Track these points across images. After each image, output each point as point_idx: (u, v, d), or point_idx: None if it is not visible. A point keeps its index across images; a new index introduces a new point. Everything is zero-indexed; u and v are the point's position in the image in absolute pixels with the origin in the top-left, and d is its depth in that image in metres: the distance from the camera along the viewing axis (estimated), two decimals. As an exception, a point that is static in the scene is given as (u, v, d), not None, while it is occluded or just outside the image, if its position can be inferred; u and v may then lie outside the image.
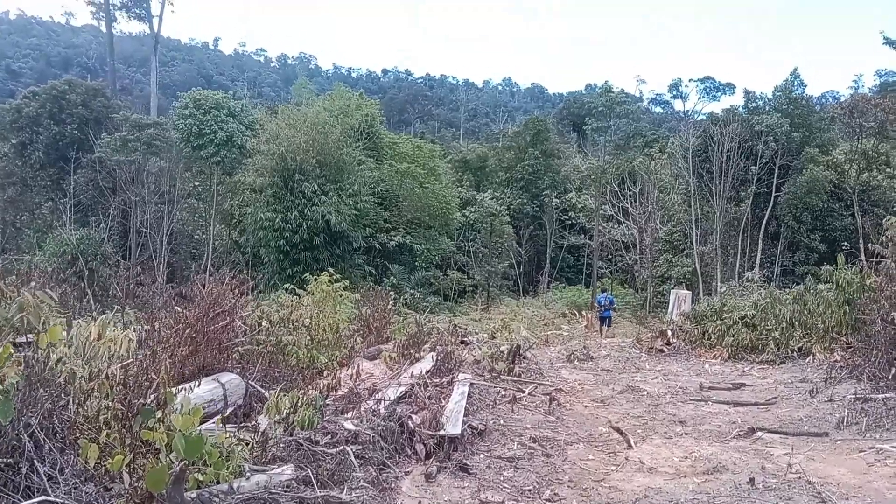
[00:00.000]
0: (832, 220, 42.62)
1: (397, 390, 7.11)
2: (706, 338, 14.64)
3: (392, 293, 16.44)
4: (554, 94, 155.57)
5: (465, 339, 14.25)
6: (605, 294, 26.93)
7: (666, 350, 14.33)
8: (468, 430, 6.34)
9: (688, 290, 20.76)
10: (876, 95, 47.62)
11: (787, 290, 15.85)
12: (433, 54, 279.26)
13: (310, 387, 8.08)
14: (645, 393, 9.59)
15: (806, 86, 44.97)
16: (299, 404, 5.81)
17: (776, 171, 42.96)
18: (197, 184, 43.84)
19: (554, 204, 54.34)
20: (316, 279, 10.96)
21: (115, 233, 46.04)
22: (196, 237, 47.00)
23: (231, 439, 5.02)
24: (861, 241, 40.57)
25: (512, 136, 62.80)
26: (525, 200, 54.91)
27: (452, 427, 6.00)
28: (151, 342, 6.31)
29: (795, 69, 46.08)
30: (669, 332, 14.99)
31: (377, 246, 37.01)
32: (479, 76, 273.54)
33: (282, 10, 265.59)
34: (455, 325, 16.55)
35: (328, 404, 7.36)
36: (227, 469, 4.60)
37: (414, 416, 6.05)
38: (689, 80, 57.27)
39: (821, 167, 41.72)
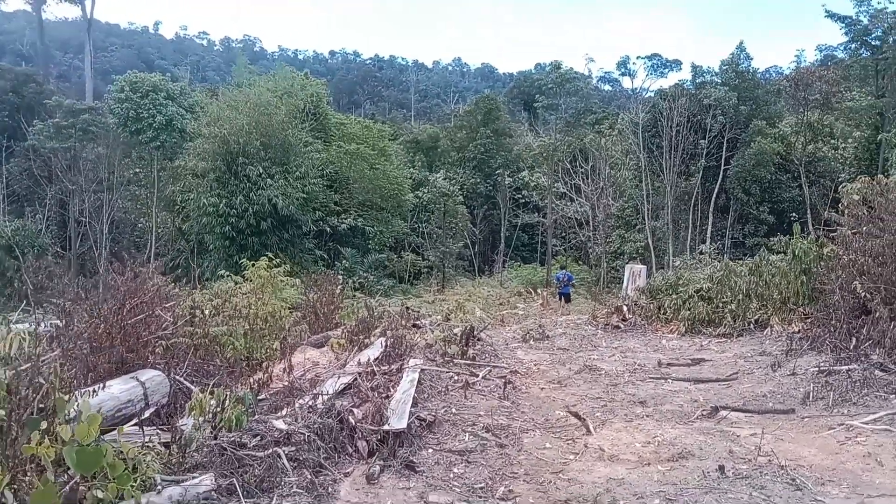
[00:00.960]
0: (780, 192, 43.26)
1: (340, 381, 6.55)
2: (662, 312, 14.38)
3: (341, 277, 15.82)
4: (504, 73, 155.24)
5: (418, 322, 13.73)
6: (563, 271, 28.03)
7: (622, 326, 14.03)
8: (416, 423, 5.82)
9: (642, 264, 20.58)
10: (820, 68, 48.23)
11: (740, 261, 15.74)
12: (381, 34, 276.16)
13: (247, 380, 7.49)
14: (602, 372, 9.21)
15: (752, 59, 45.50)
16: (227, 402, 5.23)
17: (725, 144, 43.36)
18: (138, 170, 42.23)
19: (507, 183, 54.10)
20: (254, 265, 10.30)
21: (53, 223, 44.26)
22: (140, 225, 45.48)
23: (139, 447, 4.42)
24: (809, 211, 41.40)
25: (463, 116, 62.23)
26: (478, 180, 54.50)
27: (398, 420, 5.48)
28: (61, 340, 5.64)
29: (741, 42, 46.65)
30: (625, 308, 14.70)
31: (328, 229, 36.18)
32: (429, 57, 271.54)
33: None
34: (407, 308, 16.01)
35: (265, 399, 6.78)
36: (135, 482, 4.01)
37: (355, 410, 5.52)
38: (637, 58, 57.53)
39: (768, 139, 42.25)
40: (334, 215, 36.94)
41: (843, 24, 45.80)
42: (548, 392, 8.14)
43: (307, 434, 4.87)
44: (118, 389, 5.44)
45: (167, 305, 6.86)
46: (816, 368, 7.89)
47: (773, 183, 43.26)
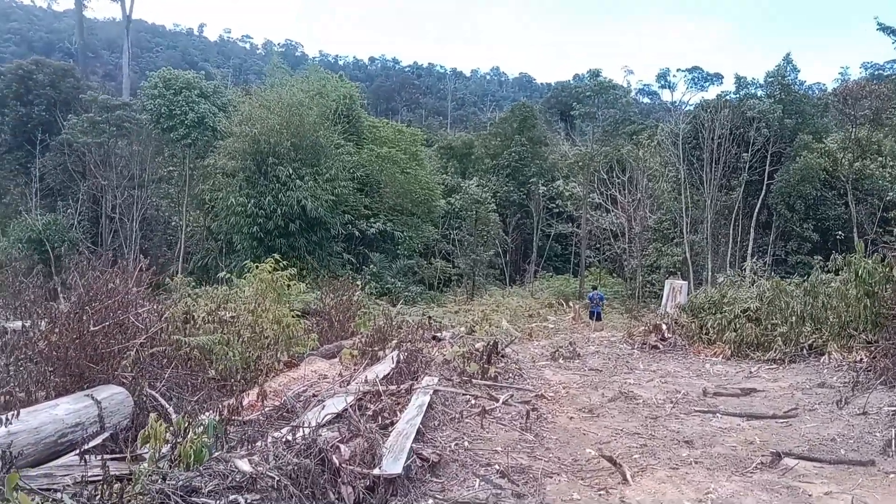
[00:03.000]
0: (825, 209, 41.48)
1: (326, 411, 5.62)
2: (704, 333, 13.30)
3: (360, 283, 14.93)
4: (542, 83, 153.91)
5: (438, 334, 12.81)
6: (595, 291, 28.43)
7: (661, 346, 12.94)
8: (416, 464, 4.87)
9: (683, 279, 19.41)
10: (870, 82, 46.31)
11: (787, 280, 14.54)
12: (421, 42, 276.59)
13: (239, 397, 6.63)
14: (641, 401, 8.16)
15: (799, 71, 43.79)
16: (189, 431, 4.34)
17: (768, 158, 41.74)
18: (172, 168, 42.01)
19: (541, 192, 52.97)
20: (258, 266, 9.45)
21: (85, 218, 44.22)
22: (173, 224, 45.26)
23: (70, 486, 3.55)
24: (855, 230, 39.55)
25: (498, 123, 61.31)
26: (511, 188, 53.47)
27: (393, 461, 4.53)
28: (4, 348, 4.81)
29: (788, 54, 44.79)
30: (664, 327, 13.59)
31: (357, 233, 35.43)
32: (468, 65, 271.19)
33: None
34: (429, 318, 15.12)
35: (251, 421, 5.89)
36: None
37: (343, 447, 4.59)
38: (678, 70, 56.12)
39: (814, 154, 40.56)
40: (364, 219, 36.21)
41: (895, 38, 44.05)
42: (577, 423, 7.13)
43: (277, 478, 3.95)
44: (65, 410, 4.59)
45: (141, 311, 6.00)
46: (892, 408, 6.76)
47: (818, 200, 41.49)
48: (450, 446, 5.70)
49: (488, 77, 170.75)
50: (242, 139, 31.85)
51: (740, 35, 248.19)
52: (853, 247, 34.93)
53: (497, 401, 7.53)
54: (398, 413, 6.60)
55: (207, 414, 4.85)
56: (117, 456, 4.51)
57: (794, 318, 11.45)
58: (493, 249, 49.73)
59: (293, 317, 10.39)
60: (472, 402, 7.48)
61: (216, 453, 4.30)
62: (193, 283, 15.80)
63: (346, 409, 5.56)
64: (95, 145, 40.09)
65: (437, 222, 43.02)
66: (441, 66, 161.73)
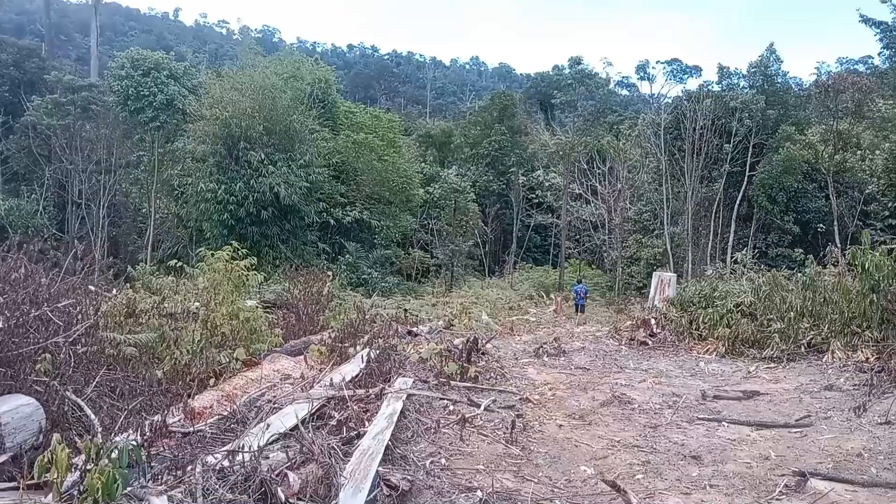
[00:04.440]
0: (806, 202, 41.25)
1: (271, 431, 4.75)
2: (695, 328, 12.61)
3: (331, 273, 14.03)
4: (522, 74, 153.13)
5: (414, 328, 12.00)
6: (581, 285, 29.51)
7: (650, 342, 12.22)
8: (382, 494, 4.05)
9: (663, 272, 18.74)
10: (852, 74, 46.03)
11: (775, 273, 13.92)
12: (400, 30, 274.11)
13: (182, 404, 5.76)
14: (636, 406, 7.40)
15: (782, 62, 43.32)
16: (101, 458, 3.48)
17: (750, 149, 41.40)
18: (141, 153, 40.59)
19: (521, 182, 52.29)
20: (213, 255, 8.54)
21: (51, 204, 42.72)
22: (143, 210, 43.88)
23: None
24: (836, 223, 39.31)
25: (478, 112, 60.43)
26: (491, 178, 52.71)
27: (353, 494, 3.70)
28: None
29: (772, 44, 44.34)
30: (653, 321, 12.88)
31: (332, 222, 34.39)
32: (447, 54, 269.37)
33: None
34: (405, 311, 14.28)
35: (192, 434, 5.03)
36: None
37: (291, 476, 3.76)
38: (657, 62, 55.66)
39: (797, 146, 40.27)
40: (339, 207, 35.17)
41: (879, 30, 43.86)
42: (568, 432, 6.36)
43: (203, 522, 3.10)
44: (-54, 429, 3.69)
45: (61, 305, 5.10)
46: (918, 418, 6.07)
47: (800, 192, 41.28)
48: (424, 465, 4.89)
49: (468, 67, 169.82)
50: (213, 122, 30.68)
51: (723, 30, 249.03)
52: (833, 240, 34.72)
53: (478, 406, 6.73)
54: (366, 423, 5.79)
55: (124, 436, 3.99)
56: (9, 486, 3.65)
57: (792, 313, 10.78)
58: (473, 240, 49.00)
59: (258, 310, 9.52)
60: (451, 407, 6.68)
61: (132, 485, 3.45)
62: (160, 273, 14.82)
63: (305, 420, 4.72)
64: (61, 128, 38.64)
65: (416, 212, 42.13)
66: (420, 55, 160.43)
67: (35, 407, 4.41)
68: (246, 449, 3.81)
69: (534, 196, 53.41)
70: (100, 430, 4.74)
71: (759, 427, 6.44)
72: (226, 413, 5.74)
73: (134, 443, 3.60)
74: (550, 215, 52.36)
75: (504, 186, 53.32)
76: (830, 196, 39.96)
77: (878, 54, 45.67)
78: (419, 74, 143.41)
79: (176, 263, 8.82)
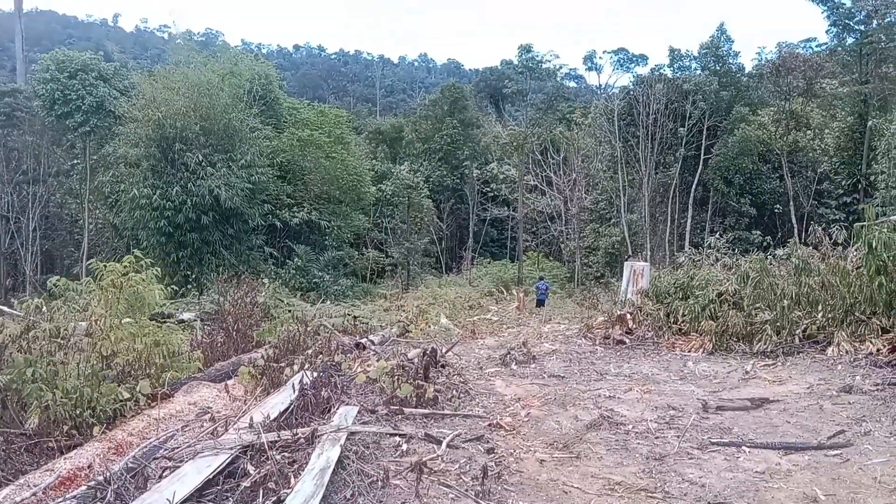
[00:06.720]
0: (760, 183, 41.03)
1: (197, 469, 3.31)
2: (672, 321, 11.46)
3: (266, 281, 12.48)
4: (470, 69, 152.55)
5: (364, 340, 10.56)
6: (543, 281, 29.79)
7: (627, 341, 11.01)
8: None
9: (635, 261, 17.61)
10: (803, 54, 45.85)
11: (754, 257, 12.88)
12: (346, 30, 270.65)
13: (53, 458, 4.29)
14: (629, 427, 6.11)
15: (733, 41, 42.95)
16: None
17: (705, 132, 40.96)
18: (74, 161, 38.15)
19: (475, 175, 51.14)
20: (106, 267, 7.01)
21: (-24, 219, 40.02)
22: (80, 221, 41.37)
23: None
24: (791, 203, 39.05)
25: (429, 105, 59.05)
26: (445, 172, 51.42)
27: None
28: None
29: (722, 24, 43.98)
30: (629, 317, 11.68)
31: (279, 224, 32.63)
32: (395, 52, 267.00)
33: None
34: (354, 319, 12.82)
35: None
36: None
37: None
38: (604, 52, 55.10)
39: (752, 127, 39.96)
40: (286, 209, 33.43)
41: (826, 8, 43.72)
42: (552, 470, 5.03)
43: None
44: None
45: None
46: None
47: (755, 173, 41.06)
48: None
49: (416, 64, 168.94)
50: (145, 124, 28.67)
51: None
52: (790, 220, 34.31)
53: (439, 444, 5.36)
54: (291, 479, 4.40)
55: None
56: None
57: (785, 301, 9.66)
58: (428, 237, 47.70)
59: (176, 330, 8.00)
60: (404, 447, 5.31)
61: None
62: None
63: (211, 482, 3.30)
64: (-18, 138, 36.07)
65: (368, 210, 40.56)
66: (368, 54, 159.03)
67: None
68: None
69: (489, 189, 52.35)
70: None
71: (787, 451, 5.20)
72: (98, 480, 4.26)
73: None
74: (506, 208, 51.42)
75: (458, 181, 52.11)
76: (785, 176, 39.71)
77: (826, 31, 45.55)
78: (368, 73, 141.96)
79: (58, 281, 7.19)
